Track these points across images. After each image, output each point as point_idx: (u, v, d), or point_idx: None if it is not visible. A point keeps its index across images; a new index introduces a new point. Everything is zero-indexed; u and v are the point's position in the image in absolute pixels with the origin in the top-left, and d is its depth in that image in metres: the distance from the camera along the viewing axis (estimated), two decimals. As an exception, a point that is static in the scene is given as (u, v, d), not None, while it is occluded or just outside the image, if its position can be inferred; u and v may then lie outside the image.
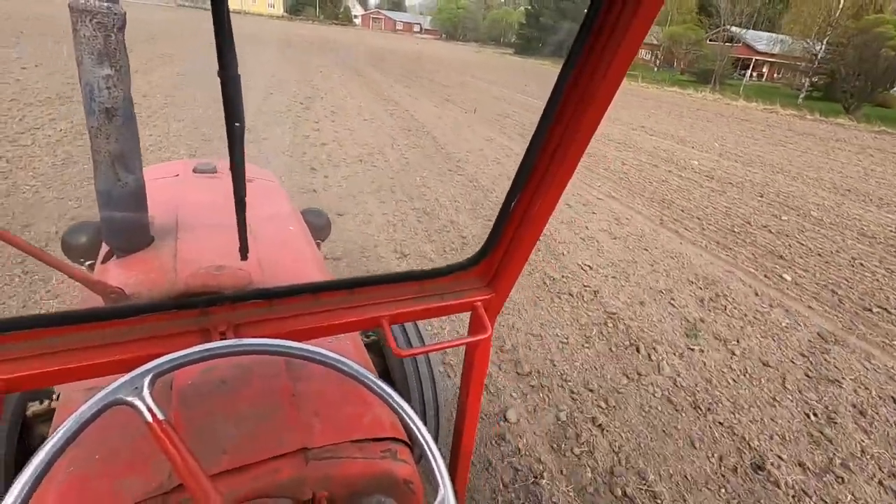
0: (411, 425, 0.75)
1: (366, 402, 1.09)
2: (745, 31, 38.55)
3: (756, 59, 41.31)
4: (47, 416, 1.35)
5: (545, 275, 4.25)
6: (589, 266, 4.54)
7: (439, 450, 0.72)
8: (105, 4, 1.07)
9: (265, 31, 34.22)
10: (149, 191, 1.37)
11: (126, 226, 1.38)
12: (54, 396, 1.37)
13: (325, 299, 0.96)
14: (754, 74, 45.03)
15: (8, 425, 1.28)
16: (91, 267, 1.75)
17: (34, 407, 1.35)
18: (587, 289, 4.09)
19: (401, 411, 0.76)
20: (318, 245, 2.22)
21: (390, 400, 0.77)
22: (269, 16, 69.86)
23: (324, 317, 0.94)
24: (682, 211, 6.53)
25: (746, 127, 15.94)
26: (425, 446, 0.72)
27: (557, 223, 5.65)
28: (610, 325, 3.60)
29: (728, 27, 36.92)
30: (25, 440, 1.32)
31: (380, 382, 0.78)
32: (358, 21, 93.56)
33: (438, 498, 0.67)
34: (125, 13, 1.11)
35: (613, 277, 4.35)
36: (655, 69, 40.24)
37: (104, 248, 1.56)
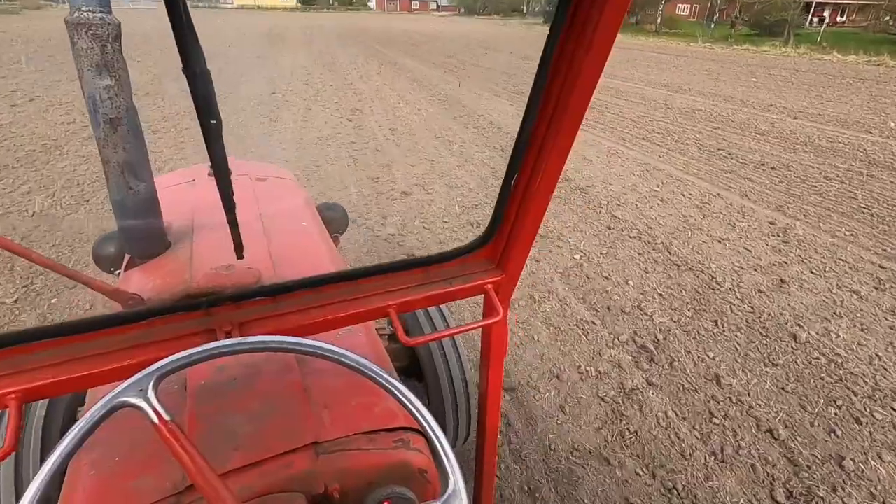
0: (415, 412, 0.73)
1: (377, 394, 1.02)
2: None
3: (816, 2, 36.53)
4: None
5: None
6: None
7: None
8: (98, 16, 1.09)
9: (282, 27, 31.96)
10: (164, 197, 1.45)
11: (142, 233, 1.43)
12: None
13: (330, 292, 0.95)
14: (814, 20, 40.06)
15: (60, 428, 1.35)
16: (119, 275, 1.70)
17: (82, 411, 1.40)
18: None
19: (403, 398, 0.75)
20: (336, 239, 2.23)
21: (391, 387, 0.76)
22: (283, 8, 67.63)
23: (329, 310, 0.94)
24: None
25: (888, 90, 12.76)
26: (432, 435, 0.71)
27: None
28: None
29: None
30: None
31: (380, 371, 0.77)
32: (372, 4, 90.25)
33: (449, 489, 0.65)
34: (119, 23, 1.12)
35: None
36: (711, 25, 35.96)
37: (127, 256, 1.58)
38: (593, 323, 3.19)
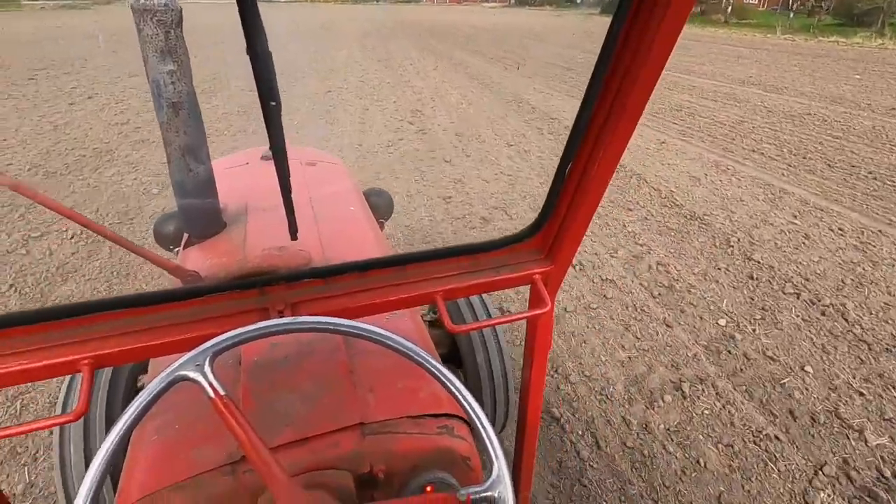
0: (462, 402, 0.74)
1: (423, 378, 1.02)
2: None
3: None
4: None
5: None
6: None
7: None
8: (163, 2, 1.12)
9: (334, 21, 31.73)
10: (220, 180, 1.50)
11: (199, 213, 1.49)
12: None
13: (378, 276, 0.96)
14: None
15: (123, 395, 1.44)
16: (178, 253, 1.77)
17: (144, 379, 1.49)
18: None
19: (451, 386, 0.76)
20: (382, 224, 2.24)
21: (439, 374, 0.77)
22: (335, 1, 68.04)
23: (377, 293, 0.94)
24: None
25: None
26: (477, 422, 0.72)
27: None
28: None
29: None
30: None
31: (429, 357, 0.78)
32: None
33: (493, 475, 0.67)
34: (181, 9, 1.16)
35: None
36: (790, 15, 32.98)
37: (186, 235, 1.64)
38: (777, 439, 2.28)
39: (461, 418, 1.02)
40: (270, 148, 0.79)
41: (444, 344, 1.78)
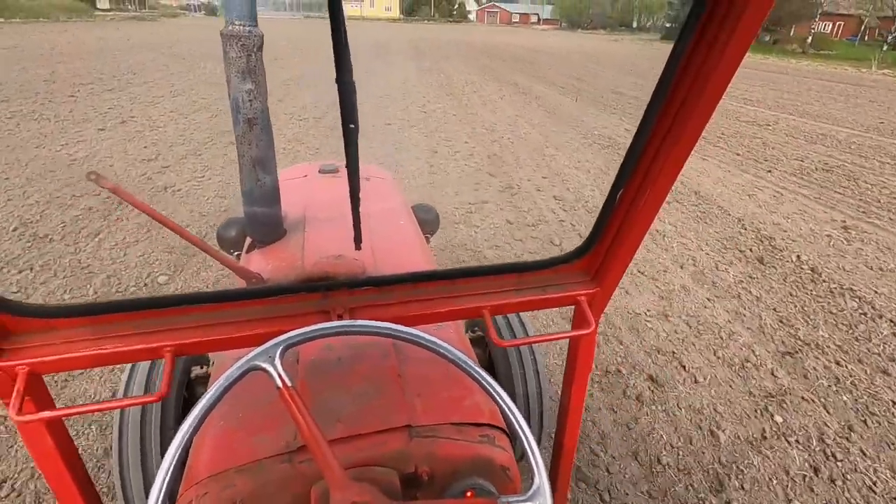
0: (509, 414, 0.76)
1: (465, 388, 1.11)
2: None
3: None
4: (204, 379, 1.63)
5: None
6: None
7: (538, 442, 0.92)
8: (248, 29, 1.23)
9: (387, 39, 31.11)
10: (281, 190, 1.60)
11: (264, 220, 1.59)
12: (211, 363, 1.65)
13: (429, 288, 1.00)
14: None
15: (178, 384, 1.54)
16: (239, 256, 1.85)
17: (196, 371, 1.64)
18: None
19: (499, 399, 0.78)
20: (428, 238, 2.31)
21: (489, 387, 0.79)
22: (387, 19, 68.62)
23: (428, 304, 0.98)
24: None
25: None
26: (522, 435, 0.74)
27: None
28: None
29: None
30: (190, 396, 1.59)
31: (481, 371, 0.81)
32: (472, 16, 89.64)
33: (534, 486, 0.68)
34: (263, 35, 1.27)
35: None
36: (884, 47, 30.12)
37: (248, 240, 1.76)
38: None
39: (501, 429, 1.06)
40: (347, 165, 0.93)
41: (480, 358, 1.79)
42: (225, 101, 1.38)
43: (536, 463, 0.70)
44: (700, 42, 0.67)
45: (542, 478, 0.68)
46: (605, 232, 0.97)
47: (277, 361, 0.75)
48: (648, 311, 3.43)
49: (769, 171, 6.75)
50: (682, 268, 4.04)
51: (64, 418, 0.87)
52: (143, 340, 0.85)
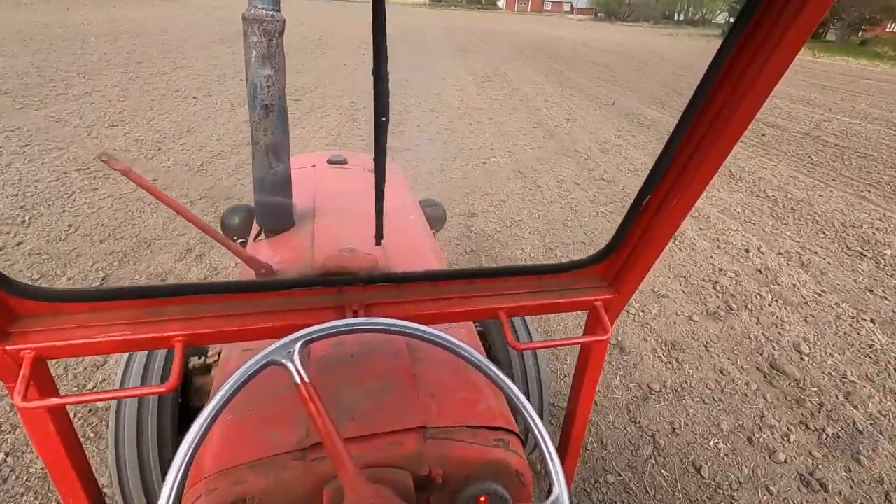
0: (529, 420, 0.74)
1: (479, 391, 1.09)
2: None
3: None
4: (203, 370, 1.51)
5: None
6: None
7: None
8: (270, 13, 1.19)
9: (417, 27, 27.35)
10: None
11: (274, 209, 1.54)
12: (209, 354, 1.54)
13: (447, 287, 0.98)
14: None
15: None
16: (243, 244, 1.78)
17: (194, 361, 1.52)
18: None
19: (520, 405, 0.75)
20: (433, 234, 2.25)
21: (510, 393, 0.77)
22: (413, 4, 64.44)
23: (445, 304, 0.96)
24: None
25: None
26: (541, 442, 0.71)
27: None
28: None
29: None
30: (188, 387, 1.50)
31: (504, 376, 0.78)
32: (501, 3, 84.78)
33: (552, 496, 0.66)
34: (285, 20, 1.23)
35: None
36: None
37: (255, 228, 1.71)
38: None
39: (516, 434, 1.03)
40: (374, 158, 0.88)
41: None
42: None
43: (556, 470, 0.67)
44: (750, 40, 0.64)
45: (560, 486, 0.66)
46: (627, 237, 0.94)
47: (296, 357, 0.72)
48: None
49: None
50: None
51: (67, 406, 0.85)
52: (154, 329, 0.83)
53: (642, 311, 3.33)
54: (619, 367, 2.82)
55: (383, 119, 0.81)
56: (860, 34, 32.60)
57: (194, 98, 7.72)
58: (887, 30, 32.99)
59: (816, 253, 4.34)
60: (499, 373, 0.77)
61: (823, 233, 4.77)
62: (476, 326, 1.67)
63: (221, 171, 5.15)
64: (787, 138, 8.40)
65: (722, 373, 2.82)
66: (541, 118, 8.50)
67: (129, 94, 7.48)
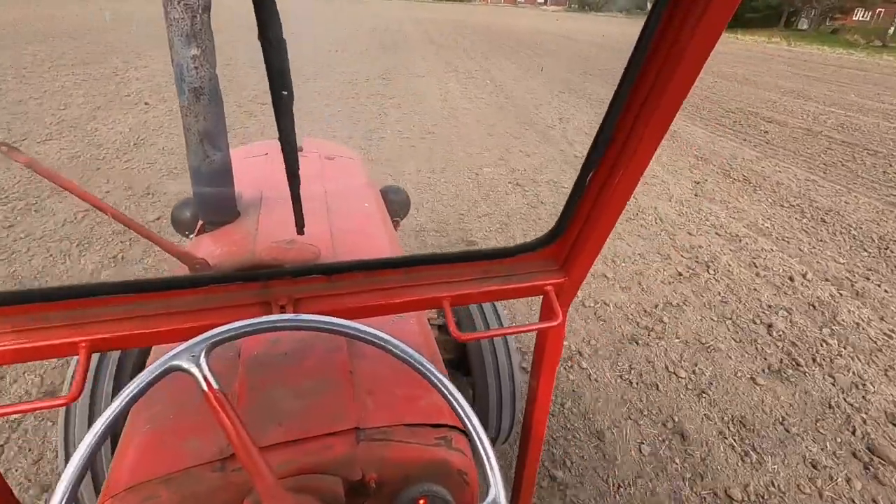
0: (460, 411, 0.70)
1: (423, 387, 0.95)
2: None
3: None
4: None
5: None
6: None
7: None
8: None
9: (390, 22, 26.33)
10: (238, 169, 1.49)
11: (214, 200, 1.46)
12: None
13: (385, 277, 0.92)
14: None
15: (130, 379, 1.36)
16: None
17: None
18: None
19: (449, 396, 0.71)
20: (397, 223, 2.21)
21: (437, 382, 0.72)
22: (384, -4, 62.72)
23: (383, 294, 0.91)
24: None
25: None
26: (476, 440, 0.67)
27: None
28: None
29: None
30: None
31: (428, 365, 0.73)
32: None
33: (489, 497, 0.62)
34: None
35: None
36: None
37: (200, 222, 1.62)
38: None
39: (461, 430, 0.97)
40: (280, 139, 0.78)
41: (452, 350, 1.71)
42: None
43: (492, 471, 0.63)
44: (673, 17, 0.63)
45: (497, 487, 0.62)
46: (574, 218, 0.91)
47: (202, 361, 0.65)
48: None
49: None
50: None
51: None
52: (56, 335, 0.74)
53: (693, 373, 2.70)
54: (686, 464, 2.17)
55: (284, 93, 0.70)
56: (828, 22, 32.92)
57: (146, 104, 6.79)
58: (853, 18, 33.43)
59: (868, 278, 3.79)
60: (426, 363, 0.72)
61: (866, 250, 4.24)
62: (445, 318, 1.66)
63: (172, 195, 4.32)
64: (790, 135, 7.94)
65: (815, 466, 2.20)
66: (530, 118, 7.83)
67: (72, 101, 6.53)
